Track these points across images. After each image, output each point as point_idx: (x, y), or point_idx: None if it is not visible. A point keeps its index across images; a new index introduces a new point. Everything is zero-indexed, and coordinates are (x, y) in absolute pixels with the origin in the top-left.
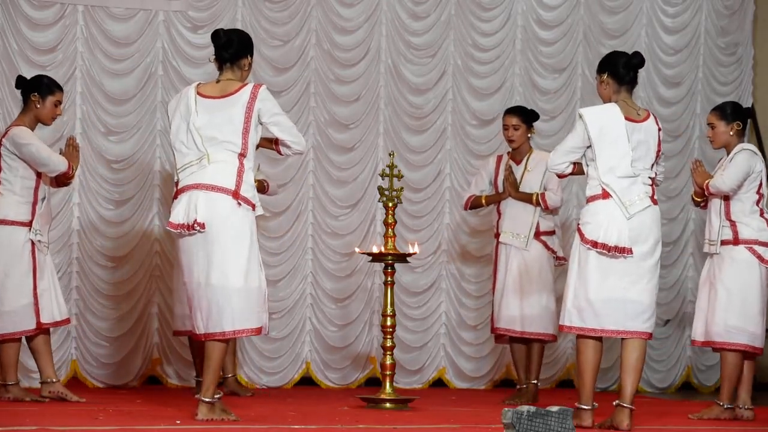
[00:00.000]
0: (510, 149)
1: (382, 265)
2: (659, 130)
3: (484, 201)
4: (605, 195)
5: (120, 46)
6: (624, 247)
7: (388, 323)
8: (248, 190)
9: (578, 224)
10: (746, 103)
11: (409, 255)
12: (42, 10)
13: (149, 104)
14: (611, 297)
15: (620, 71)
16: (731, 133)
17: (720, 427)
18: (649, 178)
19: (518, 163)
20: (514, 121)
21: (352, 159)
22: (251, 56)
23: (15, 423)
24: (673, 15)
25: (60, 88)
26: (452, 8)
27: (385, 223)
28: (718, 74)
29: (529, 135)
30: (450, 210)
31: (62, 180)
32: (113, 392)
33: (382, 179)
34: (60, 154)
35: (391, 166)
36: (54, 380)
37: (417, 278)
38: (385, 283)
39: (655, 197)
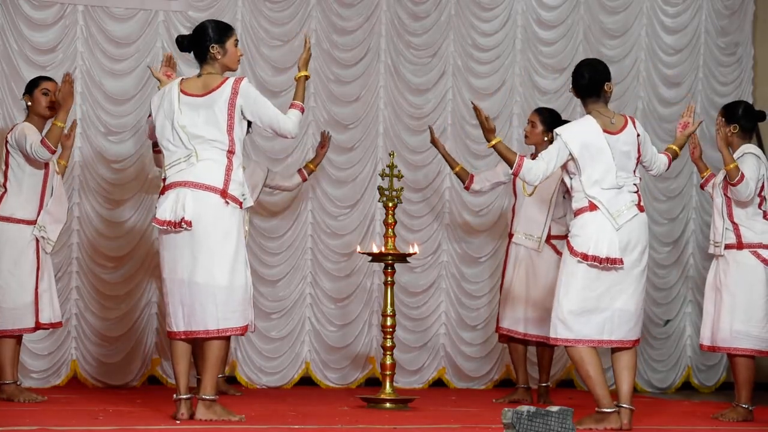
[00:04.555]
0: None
1: (382, 265)
2: (638, 135)
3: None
4: (592, 207)
5: (120, 46)
6: (615, 258)
7: (388, 323)
8: (236, 188)
9: (567, 237)
10: None
11: (409, 255)
12: (42, 10)
13: (149, 104)
14: (598, 307)
15: (576, 83)
16: (728, 134)
17: (719, 427)
18: (634, 184)
19: None
20: (533, 117)
21: (352, 159)
22: (218, 43)
23: (15, 423)
24: (673, 15)
25: (45, 78)
26: (452, 8)
27: (385, 223)
28: (718, 74)
29: (545, 138)
30: (450, 210)
31: (60, 140)
32: (113, 392)
33: (382, 179)
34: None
35: (391, 166)
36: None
37: (416, 278)
38: (385, 283)
39: (642, 204)
